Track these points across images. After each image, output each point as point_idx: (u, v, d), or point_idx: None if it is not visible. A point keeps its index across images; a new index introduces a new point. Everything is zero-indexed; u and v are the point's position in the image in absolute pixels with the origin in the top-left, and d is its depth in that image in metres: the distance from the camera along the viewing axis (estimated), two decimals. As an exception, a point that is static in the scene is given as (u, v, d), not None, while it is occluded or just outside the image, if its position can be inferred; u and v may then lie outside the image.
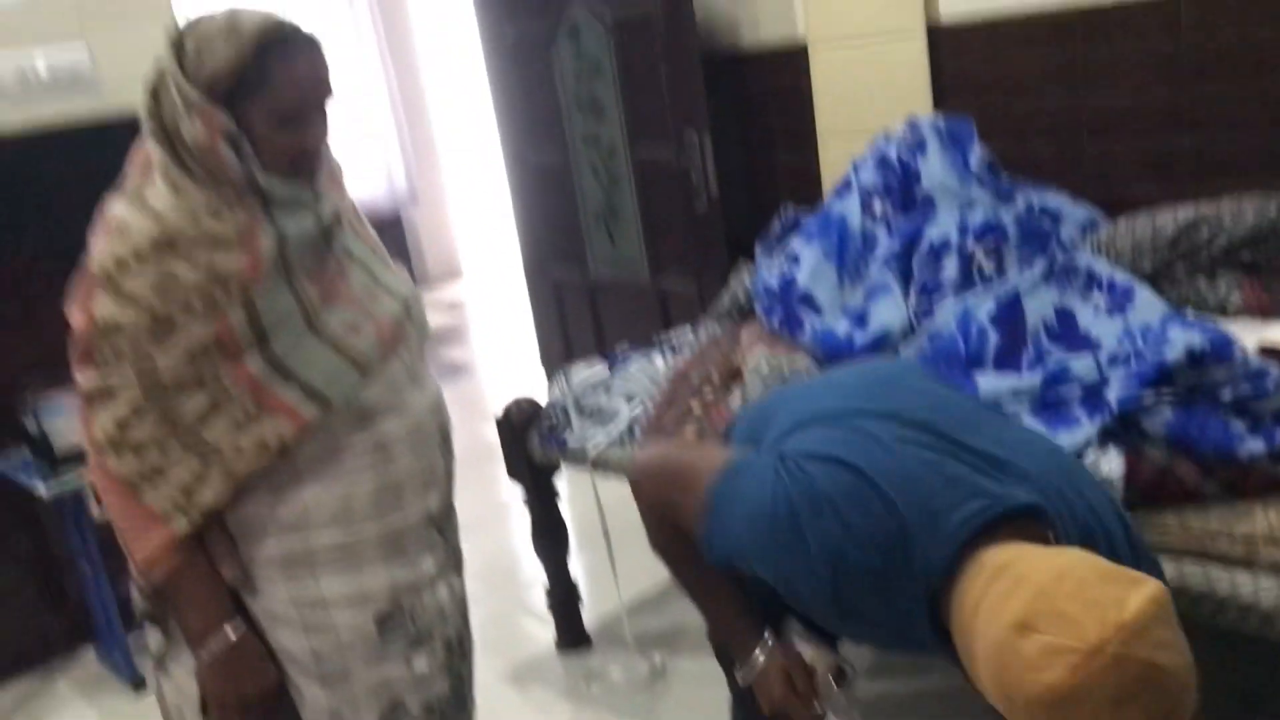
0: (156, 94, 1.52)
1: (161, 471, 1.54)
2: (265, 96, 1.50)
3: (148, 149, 1.54)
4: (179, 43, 1.50)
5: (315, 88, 1.55)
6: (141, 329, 1.50)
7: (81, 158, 3.13)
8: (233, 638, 1.59)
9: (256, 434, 1.55)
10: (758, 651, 1.58)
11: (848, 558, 1.33)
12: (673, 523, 1.57)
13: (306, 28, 1.56)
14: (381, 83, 6.90)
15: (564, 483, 2.94)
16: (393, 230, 7.28)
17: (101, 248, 1.51)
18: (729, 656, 1.70)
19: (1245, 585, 1.67)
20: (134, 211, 1.51)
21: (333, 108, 1.59)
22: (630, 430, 2.61)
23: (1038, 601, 1.11)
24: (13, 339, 3.17)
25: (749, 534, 1.41)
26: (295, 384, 1.56)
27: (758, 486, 1.42)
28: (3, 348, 3.16)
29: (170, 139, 1.51)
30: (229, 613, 1.60)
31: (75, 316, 1.54)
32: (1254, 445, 1.84)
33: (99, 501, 1.62)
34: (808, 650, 1.57)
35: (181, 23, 1.53)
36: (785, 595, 1.46)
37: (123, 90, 3.24)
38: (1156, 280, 2.49)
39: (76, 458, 2.89)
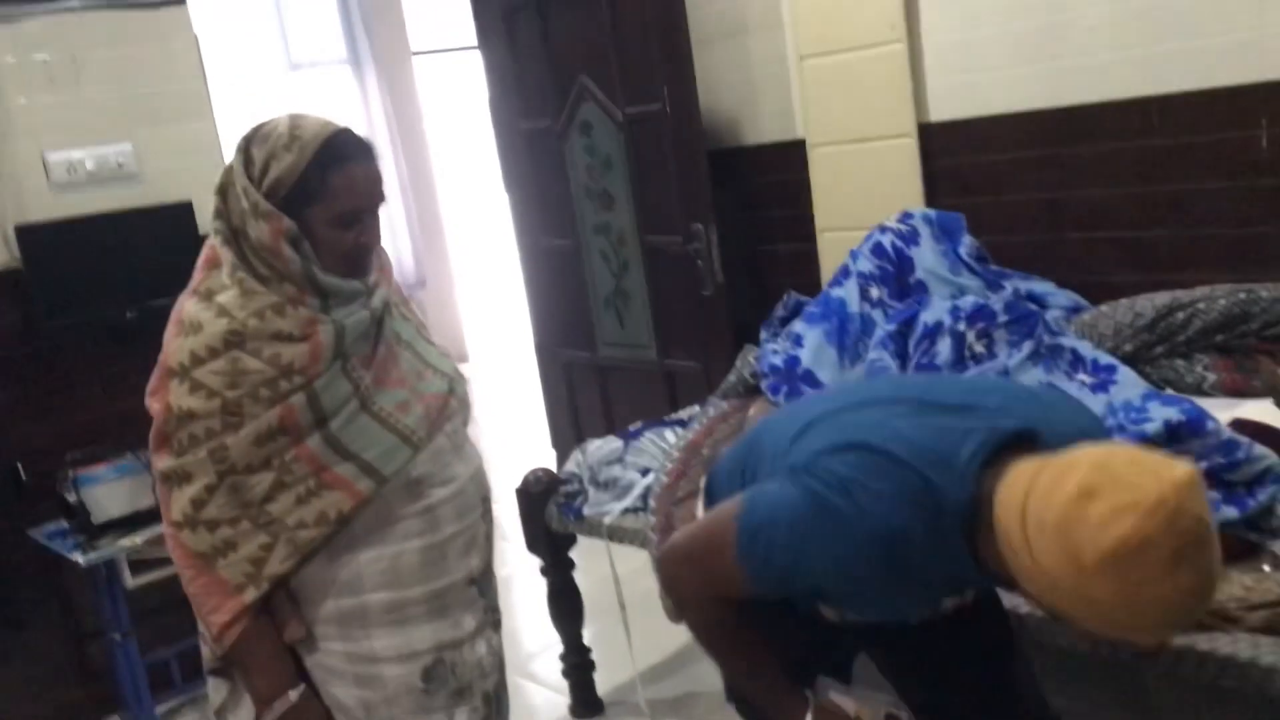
0: (225, 197, 1.70)
1: (234, 545, 1.68)
2: (325, 202, 1.67)
3: (214, 247, 1.71)
4: (246, 150, 1.68)
5: (370, 193, 1.72)
6: (214, 416, 1.65)
7: (123, 244, 3.33)
8: (296, 700, 1.73)
9: (318, 508, 1.70)
10: (808, 715, 1.62)
11: (891, 523, 1.43)
12: (713, 593, 1.62)
13: (361, 136, 1.74)
14: (390, 166, 7.10)
15: (578, 554, 3.07)
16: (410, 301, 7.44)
17: (177, 343, 1.67)
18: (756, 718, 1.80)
19: (1223, 642, 1.81)
20: (205, 310, 1.67)
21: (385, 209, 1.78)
22: (644, 500, 2.76)
23: (1095, 473, 1.24)
24: (53, 412, 3.32)
25: (795, 542, 1.49)
26: (352, 462, 1.71)
27: (786, 499, 1.51)
28: (43, 421, 3.31)
29: (237, 239, 1.68)
30: (293, 677, 1.74)
31: (153, 406, 1.69)
32: (1228, 512, 1.99)
33: (177, 574, 1.75)
34: (850, 703, 1.62)
35: (246, 129, 1.71)
36: (845, 594, 1.55)
37: (162, 181, 3.47)
38: (1136, 361, 2.67)
39: (113, 527, 3.04)
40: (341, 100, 6.83)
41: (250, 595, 1.69)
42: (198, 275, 1.74)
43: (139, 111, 3.47)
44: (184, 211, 3.42)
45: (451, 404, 1.87)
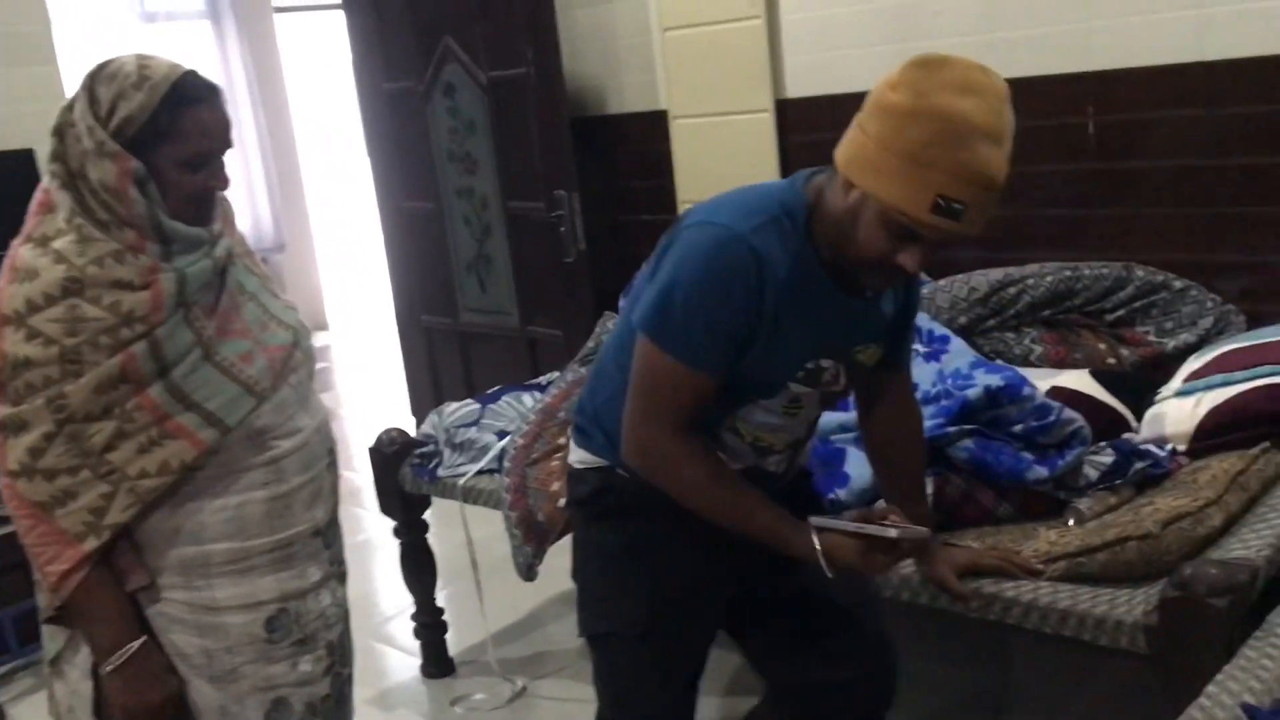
0: (63, 138, 1.66)
1: (73, 495, 1.65)
2: (175, 143, 1.65)
3: (49, 191, 1.67)
4: (90, 88, 1.65)
5: (220, 135, 1.71)
6: (52, 364, 1.62)
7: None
8: (136, 649, 1.70)
9: (160, 457, 1.68)
10: (814, 538, 1.63)
11: (755, 226, 1.58)
12: (685, 428, 1.65)
13: (210, 80, 1.72)
14: (251, 126, 6.92)
15: (433, 517, 3.09)
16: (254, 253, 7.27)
17: (11, 290, 1.63)
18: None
19: (1026, 589, 1.94)
20: (41, 256, 1.63)
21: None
22: (500, 461, 2.79)
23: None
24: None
25: (697, 294, 1.58)
26: (195, 411, 1.70)
27: (666, 283, 1.60)
28: None
29: (75, 183, 1.65)
30: (134, 627, 1.72)
31: None
32: (1039, 471, 2.14)
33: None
34: (846, 524, 1.64)
35: (91, 67, 1.68)
36: (751, 335, 1.61)
37: (1, 127, 3.33)
38: (970, 333, 2.82)
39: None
40: (198, 56, 6.59)
41: (90, 544, 1.66)
42: (30, 221, 1.69)
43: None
44: (24, 159, 3.29)
45: (296, 356, 1.87)
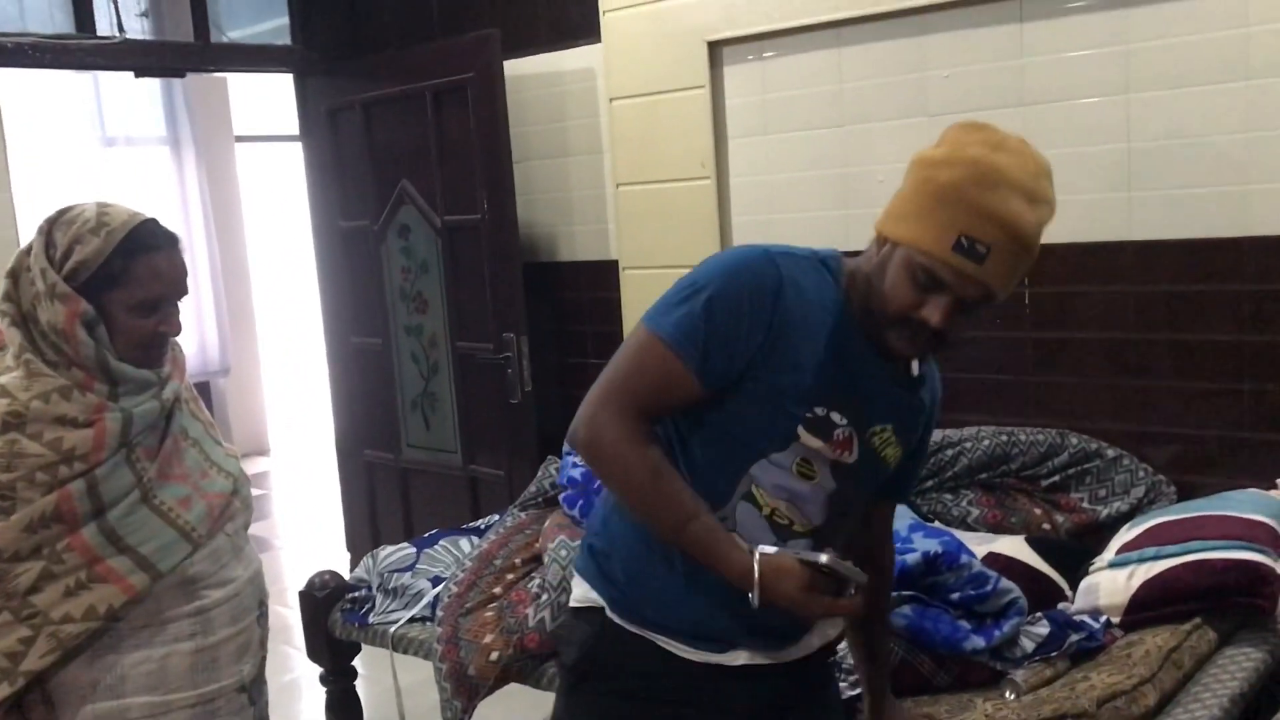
0: (16, 281, 1.67)
1: None
2: (128, 288, 1.67)
3: (4, 333, 1.67)
4: (48, 233, 1.67)
5: (173, 281, 1.73)
6: None
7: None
8: None
9: (87, 601, 1.64)
10: (754, 559, 1.48)
11: (785, 250, 1.57)
12: (642, 428, 1.54)
13: (167, 228, 1.75)
14: (204, 250, 6.92)
15: (363, 663, 3.00)
16: (200, 400, 7.20)
17: None
18: None
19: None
20: None
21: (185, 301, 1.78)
22: (433, 609, 2.74)
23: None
24: None
25: (710, 288, 1.51)
26: (128, 555, 1.67)
27: (685, 283, 1.55)
28: None
29: (26, 323, 1.65)
30: None
31: None
32: (977, 641, 2.13)
33: None
34: (789, 554, 1.49)
35: (50, 210, 1.70)
36: (762, 346, 1.52)
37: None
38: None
39: None
40: (157, 180, 6.64)
41: (3, 691, 1.60)
42: None
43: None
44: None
45: (234, 504, 1.85)
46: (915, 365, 1.63)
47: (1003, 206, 1.41)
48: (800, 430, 1.55)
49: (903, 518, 2.59)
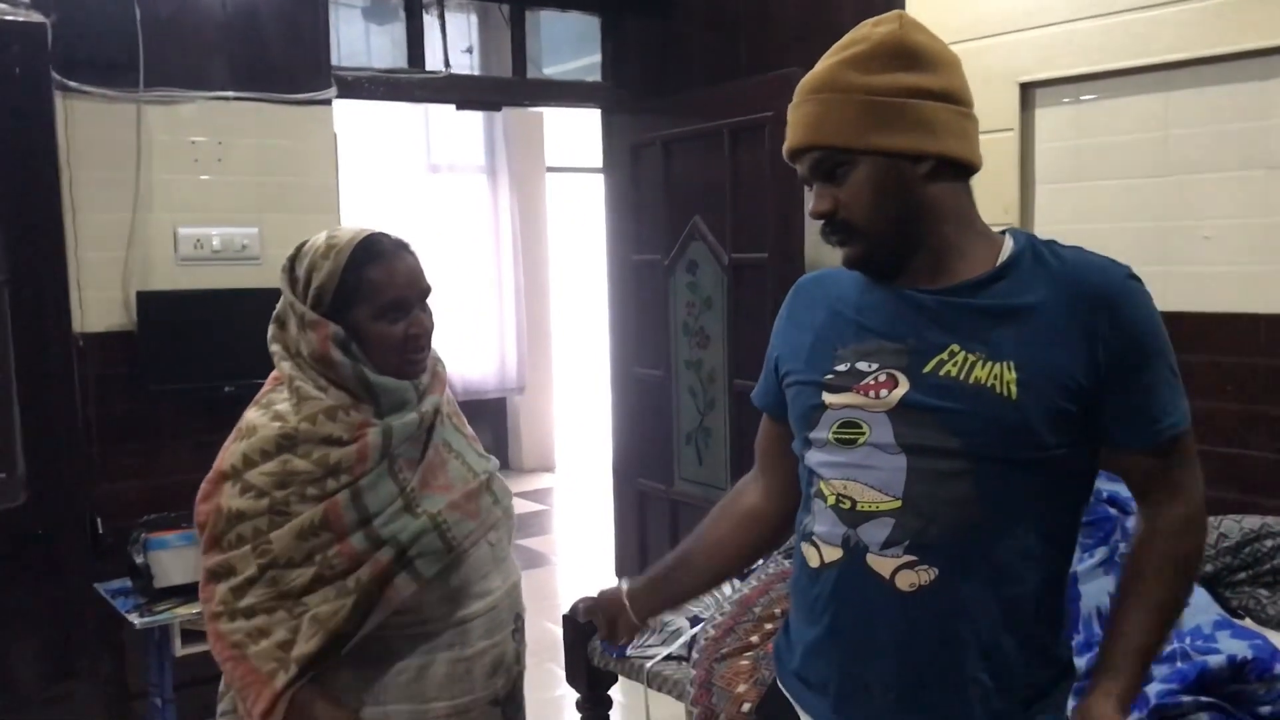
0: (282, 323, 1.78)
1: (266, 632, 1.71)
2: (368, 298, 1.73)
3: (278, 369, 1.79)
4: (290, 270, 1.77)
5: (411, 282, 1.78)
6: (261, 516, 1.70)
7: (232, 320, 3.48)
8: None
9: (353, 600, 1.72)
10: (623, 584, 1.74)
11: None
12: (756, 473, 1.73)
13: (396, 236, 1.81)
14: (510, 273, 7.31)
15: (618, 692, 3.01)
16: (495, 415, 7.58)
17: (232, 448, 1.75)
18: None
19: None
20: (261, 415, 1.75)
21: (433, 300, 1.82)
22: (689, 649, 2.71)
23: None
24: (140, 472, 3.46)
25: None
26: (392, 550, 1.73)
27: None
28: (130, 479, 3.44)
29: (293, 356, 1.76)
30: None
31: (203, 509, 1.76)
32: (1288, 767, 1.88)
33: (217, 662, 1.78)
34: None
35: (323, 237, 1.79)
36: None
37: (280, 266, 3.63)
38: (1216, 584, 2.56)
39: (174, 593, 3.11)
40: (474, 206, 7.10)
41: (280, 680, 1.70)
42: (264, 390, 1.82)
43: (270, 198, 3.67)
44: (296, 298, 3.57)
45: (496, 514, 1.88)
46: (1000, 257, 1.38)
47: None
48: (824, 396, 1.41)
49: (1206, 611, 2.33)
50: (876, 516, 1.34)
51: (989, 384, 1.31)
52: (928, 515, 1.32)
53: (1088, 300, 1.33)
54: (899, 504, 1.33)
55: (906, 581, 1.32)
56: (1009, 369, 1.31)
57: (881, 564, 1.34)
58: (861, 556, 1.35)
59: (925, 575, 1.32)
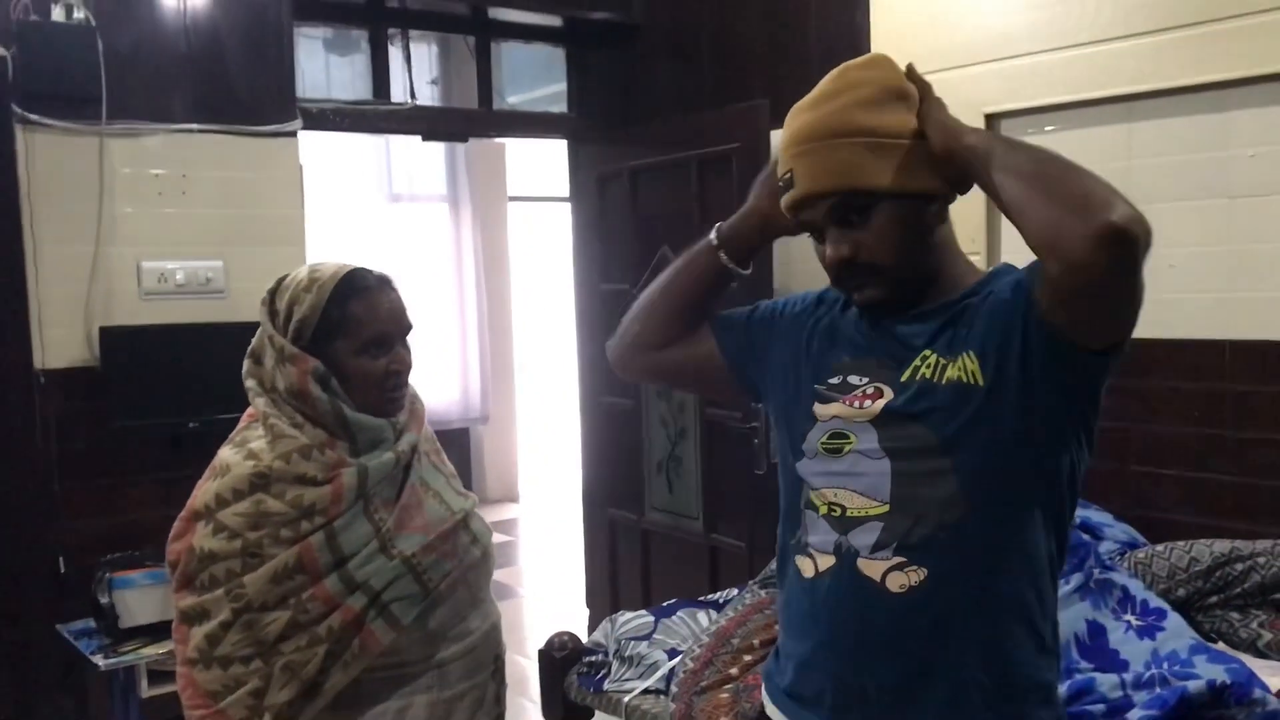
0: (258, 358, 1.76)
1: (241, 682, 1.68)
2: (350, 333, 1.72)
3: (253, 406, 1.77)
4: (270, 303, 1.75)
5: (393, 317, 1.77)
6: (234, 557, 1.67)
7: (197, 355, 3.43)
8: None
9: (328, 647, 1.69)
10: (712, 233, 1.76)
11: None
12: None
13: (379, 271, 1.80)
14: (473, 303, 7.26)
15: (594, 727, 2.99)
16: (459, 446, 7.53)
17: (205, 487, 1.72)
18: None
19: None
20: (235, 454, 1.72)
21: (413, 339, 1.81)
22: (667, 683, 2.69)
23: None
24: (104, 510, 3.39)
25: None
26: (365, 596, 1.70)
27: None
28: (93, 517, 3.37)
29: (268, 391, 1.74)
30: None
31: (174, 548, 1.73)
32: (1269, 792, 1.89)
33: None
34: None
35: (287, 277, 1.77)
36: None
37: (245, 300, 3.59)
38: (1189, 608, 2.58)
39: (139, 633, 3.05)
40: (435, 235, 7.06)
41: None
42: (239, 427, 1.79)
43: (234, 231, 3.63)
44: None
45: (474, 554, 1.86)
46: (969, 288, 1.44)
47: (783, 135, 1.46)
48: (815, 408, 1.47)
49: (1181, 636, 2.36)
50: (866, 521, 1.38)
51: (959, 378, 1.36)
52: (914, 516, 1.35)
53: (1014, 282, 1.39)
54: (886, 508, 1.37)
55: (897, 583, 1.35)
56: (970, 358, 1.36)
57: (872, 567, 1.36)
58: (853, 561, 1.38)
59: (914, 576, 1.35)
